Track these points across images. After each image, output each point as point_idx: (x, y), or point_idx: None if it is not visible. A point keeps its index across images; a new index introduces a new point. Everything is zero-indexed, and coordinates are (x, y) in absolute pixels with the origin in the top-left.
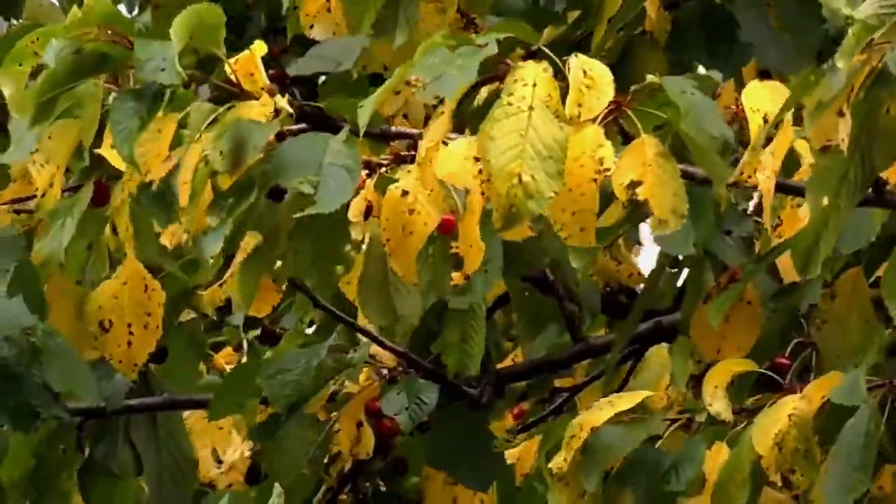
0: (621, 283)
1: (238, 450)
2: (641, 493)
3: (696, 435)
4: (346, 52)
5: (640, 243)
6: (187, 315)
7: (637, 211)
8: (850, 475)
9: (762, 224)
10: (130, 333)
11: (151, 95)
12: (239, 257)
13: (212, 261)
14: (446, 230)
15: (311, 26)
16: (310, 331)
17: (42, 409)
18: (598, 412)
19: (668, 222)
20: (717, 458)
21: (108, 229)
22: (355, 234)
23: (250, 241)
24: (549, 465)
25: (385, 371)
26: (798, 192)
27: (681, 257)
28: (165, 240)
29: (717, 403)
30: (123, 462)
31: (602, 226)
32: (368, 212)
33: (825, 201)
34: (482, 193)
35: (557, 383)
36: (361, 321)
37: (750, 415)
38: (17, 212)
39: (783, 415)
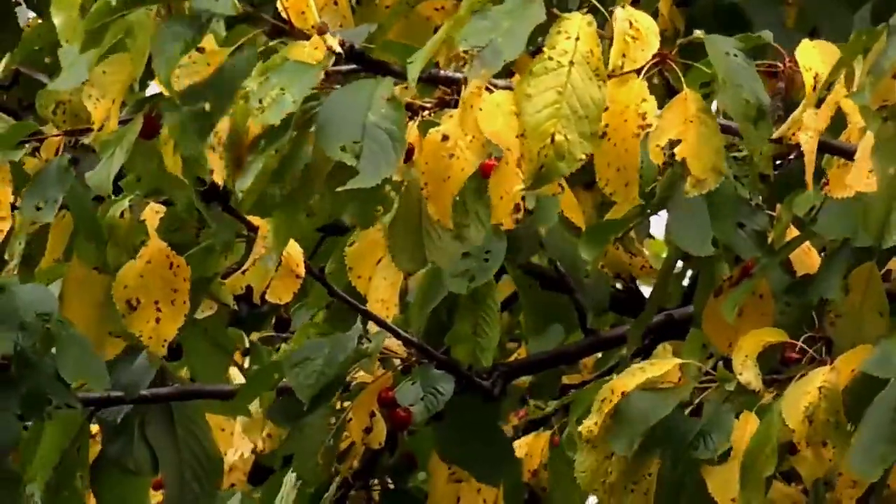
0: (633, 275)
1: (240, 451)
2: (669, 458)
3: (726, 404)
4: (353, 37)
5: (651, 236)
6: (206, 310)
7: (649, 201)
8: (878, 447)
9: (776, 217)
10: (158, 310)
11: (199, 23)
12: (259, 244)
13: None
14: (488, 175)
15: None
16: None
17: (54, 397)
18: (630, 377)
19: (706, 181)
20: (745, 427)
21: (126, 214)
22: (396, 175)
23: (265, 226)
24: (579, 429)
25: (398, 361)
26: (842, 153)
27: None
28: (217, 178)
29: (748, 373)
30: (140, 459)
31: (613, 217)
32: (410, 154)
33: (891, 170)
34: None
35: (566, 380)
36: (373, 310)
37: (779, 386)
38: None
39: (813, 387)
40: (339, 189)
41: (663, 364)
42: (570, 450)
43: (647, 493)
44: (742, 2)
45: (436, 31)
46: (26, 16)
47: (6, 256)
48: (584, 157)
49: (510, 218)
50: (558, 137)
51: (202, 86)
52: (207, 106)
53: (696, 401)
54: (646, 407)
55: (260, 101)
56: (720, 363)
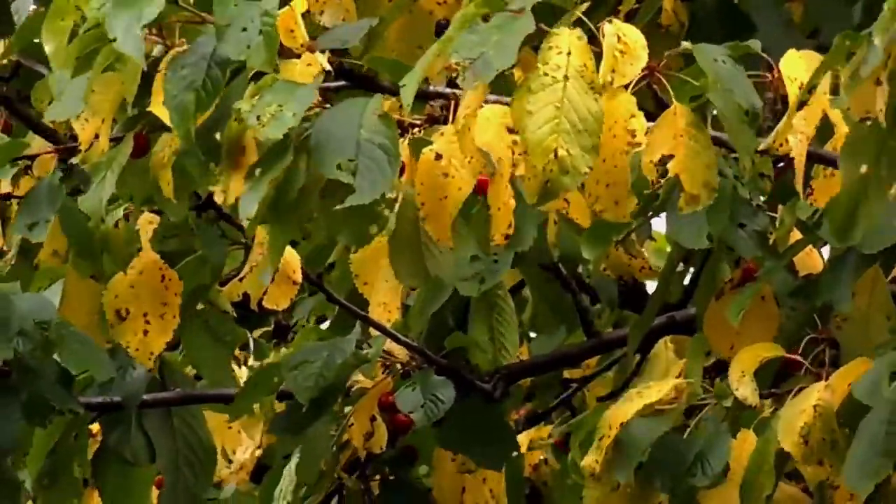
0: (635, 277)
1: (249, 449)
2: (668, 488)
3: (723, 422)
4: (353, 32)
5: (652, 238)
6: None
7: (651, 204)
8: (872, 461)
9: (778, 220)
10: (147, 322)
11: (208, 61)
12: (256, 251)
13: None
14: (482, 191)
15: (321, 13)
16: (323, 326)
17: (56, 402)
18: (628, 404)
19: (699, 197)
20: (743, 446)
21: (121, 224)
22: (389, 193)
23: (262, 233)
24: (582, 465)
25: (398, 366)
26: (830, 161)
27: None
28: (218, 198)
29: (744, 388)
30: (137, 449)
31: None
32: (401, 172)
33: (863, 169)
34: (513, 165)
35: (567, 374)
36: (373, 315)
37: (777, 400)
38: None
39: (808, 406)
40: (336, 207)
41: (660, 387)
42: (575, 473)
43: None
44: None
45: (437, 28)
46: (28, 6)
47: (3, 247)
48: (587, 170)
49: (504, 233)
50: (561, 152)
51: (211, 121)
52: (218, 136)
53: (696, 420)
54: (644, 434)
55: (258, 118)
56: (717, 379)
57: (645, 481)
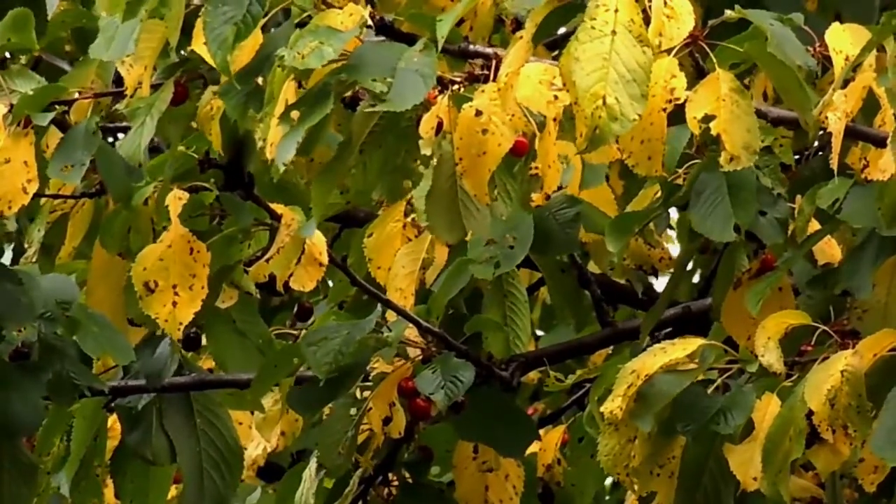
0: (654, 267)
1: (260, 445)
2: (690, 434)
3: (747, 384)
4: None
5: (671, 227)
6: (227, 299)
7: (673, 194)
8: None
9: (797, 209)
10: (176, 294)
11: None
12: (283, 232)
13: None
14: (519, 152)
15: None
16: None
17: (80, 381)
18: (652, 358)
19: (739, 158)
20: (766, 408)
21: (150, 202)
22: (425, 149)
23: (289, 214)
24: (602, 410)
25: (417, 351)
26: (871, 139)
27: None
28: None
29: (769, 355)
30: (158, 449)
31: (635, 209)
32: (439, 128)
33: None
34: (554, 119)
35: (579, 372)
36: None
37: (801, 368)
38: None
39: (836, 370)
40: (368, 110)
41: (685, 345)
42: (591, 427)
43: (672, 476)
44: None
45: None
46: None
47: (25, 244)
48: (637, 117)
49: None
50: (609, 100)
51: (254, 63)
52: (260, 80)
53: (718, 381)
54: (668, 388)
55: (298, 53)
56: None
57: (666, 428)
